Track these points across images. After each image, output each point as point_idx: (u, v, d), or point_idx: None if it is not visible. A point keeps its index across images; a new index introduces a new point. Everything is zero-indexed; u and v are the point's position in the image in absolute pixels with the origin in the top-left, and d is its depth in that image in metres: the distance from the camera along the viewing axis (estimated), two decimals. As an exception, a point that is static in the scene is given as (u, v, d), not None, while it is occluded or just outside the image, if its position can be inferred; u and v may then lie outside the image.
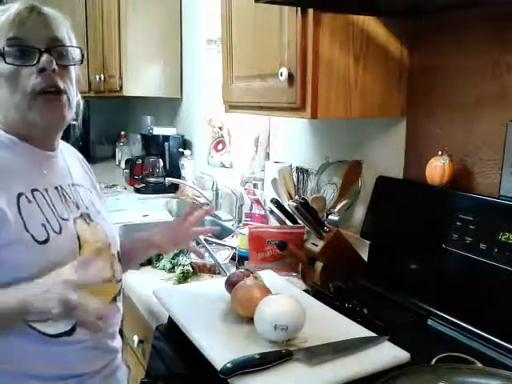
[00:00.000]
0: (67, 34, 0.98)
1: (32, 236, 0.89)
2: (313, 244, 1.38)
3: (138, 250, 1.26)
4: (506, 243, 1.04)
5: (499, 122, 1.12)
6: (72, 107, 0.98)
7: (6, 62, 0.90)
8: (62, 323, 0.92)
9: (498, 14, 1.10)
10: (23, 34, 0.91)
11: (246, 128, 2.21)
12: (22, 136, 0.96)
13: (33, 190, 0.93)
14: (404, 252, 1.30)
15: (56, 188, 0.99)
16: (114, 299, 1.06)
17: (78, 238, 0.97)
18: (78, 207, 1.01)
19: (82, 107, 1.07)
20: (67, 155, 1.09)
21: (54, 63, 0.92)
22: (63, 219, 0.96)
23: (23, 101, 0.91)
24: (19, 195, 0.90)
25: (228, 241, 1.80)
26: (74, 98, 0.99)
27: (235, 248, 1.67)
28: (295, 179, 1.72)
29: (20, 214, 0.88)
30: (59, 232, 0.93)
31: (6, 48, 0.90)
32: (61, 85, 0.93)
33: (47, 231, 0.91)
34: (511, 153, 1.09)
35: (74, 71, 0.99)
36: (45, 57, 0.91)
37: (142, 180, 2.82)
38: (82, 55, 1.00)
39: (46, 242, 0.90)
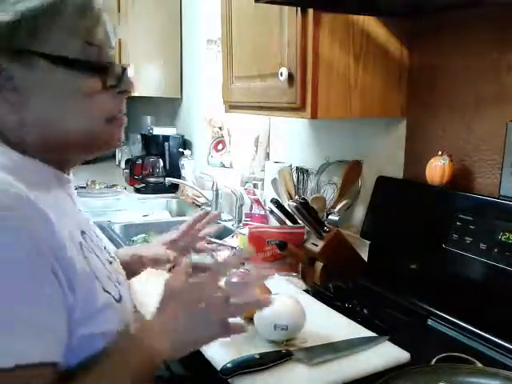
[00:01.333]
0: None
1: (112, 296, 0.72)
2: (313, 244, 1.38)
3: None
4: (506, 243, 1.04)
5: (499, 122, 1.12)
6: None
7: (78, 74, 0.69)
8: None
9: (498, 14, 1.10)
10: (97, 40, 0.71)
11: (245, 128, 2.21)
12: (51, 158, 0.74)
13: (82, 233, 0.73)
14: (404, 252, 1.30)
15: (88, 221, 0.82)
16: None
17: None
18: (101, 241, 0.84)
19: None
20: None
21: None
22: (110, 262, 0.79)
23: (100, 123, 0.73)
24: (80, 244, 0.70)
25: (228, 241, 1.80)
26: None
27: (235, 248, 1.67)
28: (295, 179, 1.72)
29: (93, 271, 0.70)
30: (119, 281, 0.77)
31: (81, 57, 0.69)
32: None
33: (115, 285, 0.75)
34: (511, 153, 1.09)
35: None
36: (128, 78, 0.76)
37: (142, 180, 2.82)
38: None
39: (121, 299, 0.74)
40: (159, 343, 0.71)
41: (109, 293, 0.71)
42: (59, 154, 0.75)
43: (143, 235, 1.92)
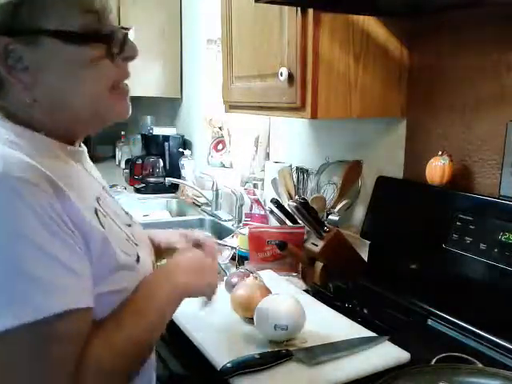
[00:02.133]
0: None
1: (129, 256, 0.76)
2: (313, 244, 1.38)
3: None
4: (506, 243, 1.04)
5: (499, 122, 1.12)
6: None
7: (82, 45, 0.70)
8: None
9: (497, 14, 1.10)
10: (97, 5, 0.71)
11: (245, 128, 2.21)
12: (62, 133, 0.76)
13: (97, 199, 0.76)
14: (404, 252, 1.30)
15: (103, 188, 0.85)
16: None
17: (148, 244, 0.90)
18: (121, 206, 0.89)
19: None
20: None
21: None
22: (129, 225, 0.84)
23: (106, 92, 0.74)
24: (96, 210, 0.73)
25: (228, 241, 1.79)
26: None
27: (235, 248, 1.67)
28: (295, 179, 1.72)
29: (108, 234, 0.72)
30: (137, 243, 0.81)
31: (82, 27, 0.69)
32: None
33: (132, 245, 0.79)
34: (511, 153, 1.09)
35: None
36: (131, 43, 0.76)
37: (142, 180, 2.82)
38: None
39: (139, 259, 0.78)
40: (181, 278, 0.81)
41: (126, 253, 0.74)
42: (69, 127, 0.76)
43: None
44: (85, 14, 0.70)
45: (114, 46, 0.73)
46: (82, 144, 0.85)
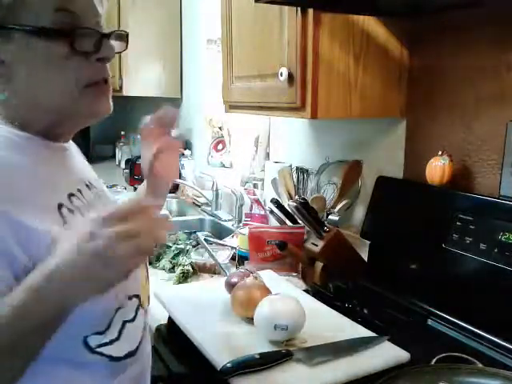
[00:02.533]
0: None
1: None
2: (313, 244, 1.38)
3: None
4: (506, 243, 1.04)
5: (499, 122, 1.12)
6: None
7: (50, 41, 0.71)
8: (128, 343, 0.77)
9: (497, 14, 1.10)
10: (76, 7, 0.72)
11: (245, 128, 2.21)
12: (41, 129, 0.76)
13: (69, 195, 0.74)
14: (404, 252, 1.30)
15: (87, 185, 0.82)
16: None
17: None
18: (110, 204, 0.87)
19: None
20: (72, 145, 0.89)
21: (114, 52, 0.77)
22: None
23: (75, 89, 0.74)
24: (60, 207, 0.70)
25: (228, 241, 1.79)
26: None
27: (235, 248, 1.67)
28: (295, 179, 1.72)
29: (68, 227, 0.69)
30: None
31: (53, 24, 0.70)
32: (110, 74, 0.79)
33: None
34: (511, 153, 1.10)
35: None
36: (108, 45, 0.76)
37: (142, 180, 2.82)
38: (127, 39, 0.83)
39: None
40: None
41: None
42: (43, 123, 0.76)
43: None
44: (58, 12, 0.71)
45: (82, 44, 0.73)
46: (71, 141, 0.85)
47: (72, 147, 0.86)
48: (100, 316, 0.72)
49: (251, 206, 2.03)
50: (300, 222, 1.46)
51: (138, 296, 0.81)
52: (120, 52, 0.82)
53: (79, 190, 0.78)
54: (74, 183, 0.79)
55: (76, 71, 0.73)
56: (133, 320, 0.78)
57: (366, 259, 1.43)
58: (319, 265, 1.37)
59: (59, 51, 0.72)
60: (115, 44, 0.78)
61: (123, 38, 0.81)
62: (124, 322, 0.76)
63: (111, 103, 0.80)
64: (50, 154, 0.77)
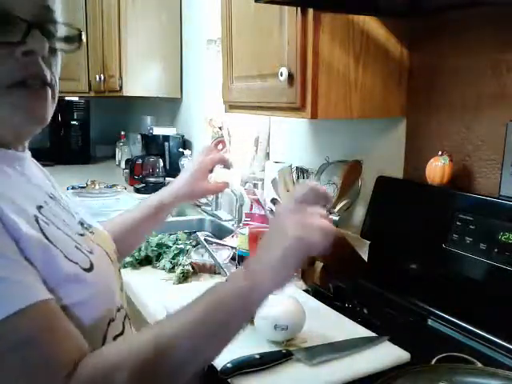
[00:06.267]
0: (60, 5, 0.71)
1: (78, 265, 0.67)
2: (313, 244, 1.38)
3: (150, 220, 1.09)
4: (506, 243, 1.04)
5: (499, 122, 1.12)
6: (54, 105, 0.71)
7: None
8: None
9: (497, 14, 1.10)
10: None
11: (245, 128, 2.21)
12: None
13: (39, 208, 0.69)
14: (404, 252, 1.30)
15: (51, 197, 0.76)
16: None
17: (106, 252, 0.79)
18: (73, 215, 0.80)
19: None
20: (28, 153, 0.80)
21: (47, 46, 0.66)
22: (81, 235, 0.75)
23: None
24: (37, 219, 0.66)
25: (228, 241, 1.79)
26: (57, 93, 0.72)
27: (235, 248, 1.67)
28: (295, 179, 1.72)
29: (51, 242, 0.65)
30: (91, 251, 0.72)
31: None
32: (47, 76, 0.67)
33: (84, 253, 0.70)
34: (511, 153, 1.09)
35: (60, 59, 0.73)
36: (35, 34, 0.64)
37: (142, 180, 2.82)
38: (81, 39, 0.73)
39: (92, 267, 0.69)
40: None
41: (74, 262, 0.66)
42: None
43: (143, 235, 1.92)
44: None
45: (4, 35, 0.63)
46: (27, 149, 0.77)
47: (28, 155, 0.78)
48: (93, 330, 0.69)
49: (251, 205, 2.02)
50: (300, 221, 1.46)
51: (123, 307, 0.79)
52: (69, 52, 0.72)
53: (45, 202, 0.72)
54: (40, 195, 0.73)
55: None
56: (121, 334, 0.75)
57: (366, 259, 1.43)
58: (319, 265, 1.37)
59: None
60: (63, 44, 0.69)
61: (73, 37, 0.71)
62: (115, 337, 0.73)
63: (48, 111, 0.69)
64: (6, 164, 0.70)
